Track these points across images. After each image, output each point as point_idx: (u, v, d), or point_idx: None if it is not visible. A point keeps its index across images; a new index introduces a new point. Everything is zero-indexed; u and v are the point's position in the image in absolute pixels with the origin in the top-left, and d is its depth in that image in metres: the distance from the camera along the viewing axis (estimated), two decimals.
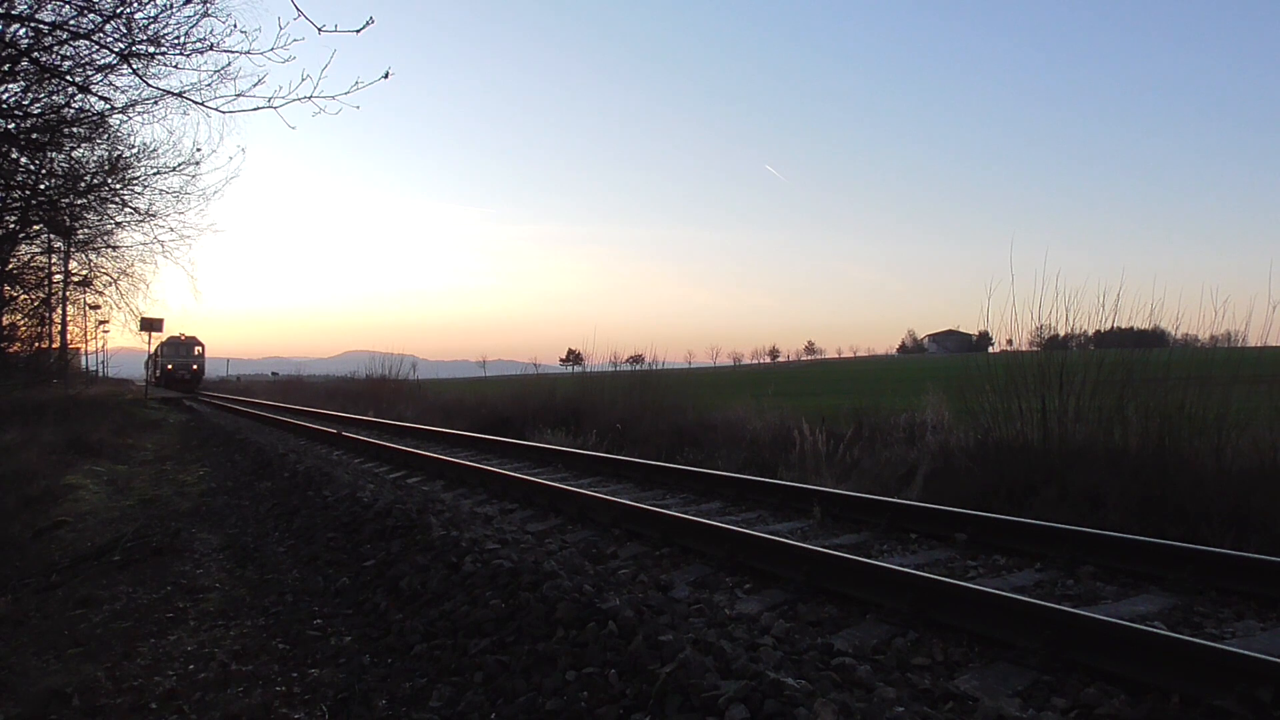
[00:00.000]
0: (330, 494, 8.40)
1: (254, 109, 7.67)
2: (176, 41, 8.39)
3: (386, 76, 7.27)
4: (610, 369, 21.45)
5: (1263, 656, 3.19)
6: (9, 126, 10.94)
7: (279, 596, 5.69)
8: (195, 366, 57.80)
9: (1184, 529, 6.46)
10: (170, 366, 56.68)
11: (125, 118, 12.03)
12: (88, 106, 11.12)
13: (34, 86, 10.67)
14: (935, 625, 4.15)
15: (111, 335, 48.06)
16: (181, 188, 15.68)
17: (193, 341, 57.84)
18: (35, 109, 11.12)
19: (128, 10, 8.16)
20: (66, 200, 15.36)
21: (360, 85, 7.28)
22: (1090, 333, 9.86)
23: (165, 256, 36.43)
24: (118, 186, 14.95)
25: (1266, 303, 8.36)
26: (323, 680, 4.17)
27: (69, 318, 29.82)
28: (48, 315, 25.99)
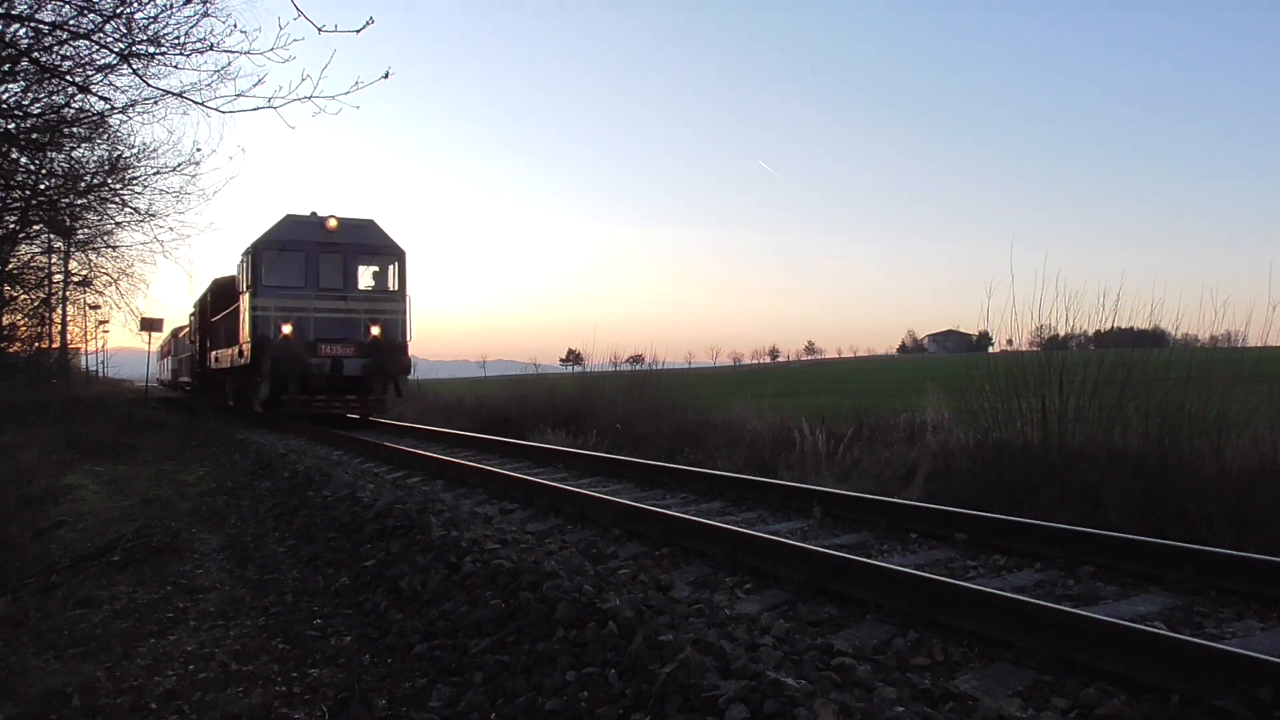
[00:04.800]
0: (330, 494, 8.40)
1: (254, 109, 7.68)
2: (176, 41, 8.41)
3: (386, 76, 7.18)
4: (610, 369, 21.45)
5: (1263, 656, 3.19)
6: (9, 126, 10.96)
7: (279, 596, 5.69)
8: (377, 326, 17.24)
9: (1184, 529, 6.46)
10: (287, 331, 16.45)
11: (125, 118, 12.07)
12: (88, 106, 11.15)
13: (34, 86, 10.69)
14: (935, 625, 4.15)
15: (111, 335, 47.08)
16: (181, 188, 15.70)
17: (371, 242, 17.99)
18: (35, 109, 11.15)
19: (128, 10, 8.18)
20: (66, 200, 15.40)
21: (360, 85, 7.25)
22: (1090, 333, 9.87)
23: (165, 256, 36.27)
24: (118, 186, 14.99)
25: (1266, 303, 8.40)
26: (323, 680, 4.17)
27: (69, 318, 29.93)
28: (48, 315, 26.09)
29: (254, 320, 17.02)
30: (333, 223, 17.48)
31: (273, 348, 16.33)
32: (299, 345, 16.49)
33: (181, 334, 35.25)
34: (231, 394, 21.28)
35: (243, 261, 18.54)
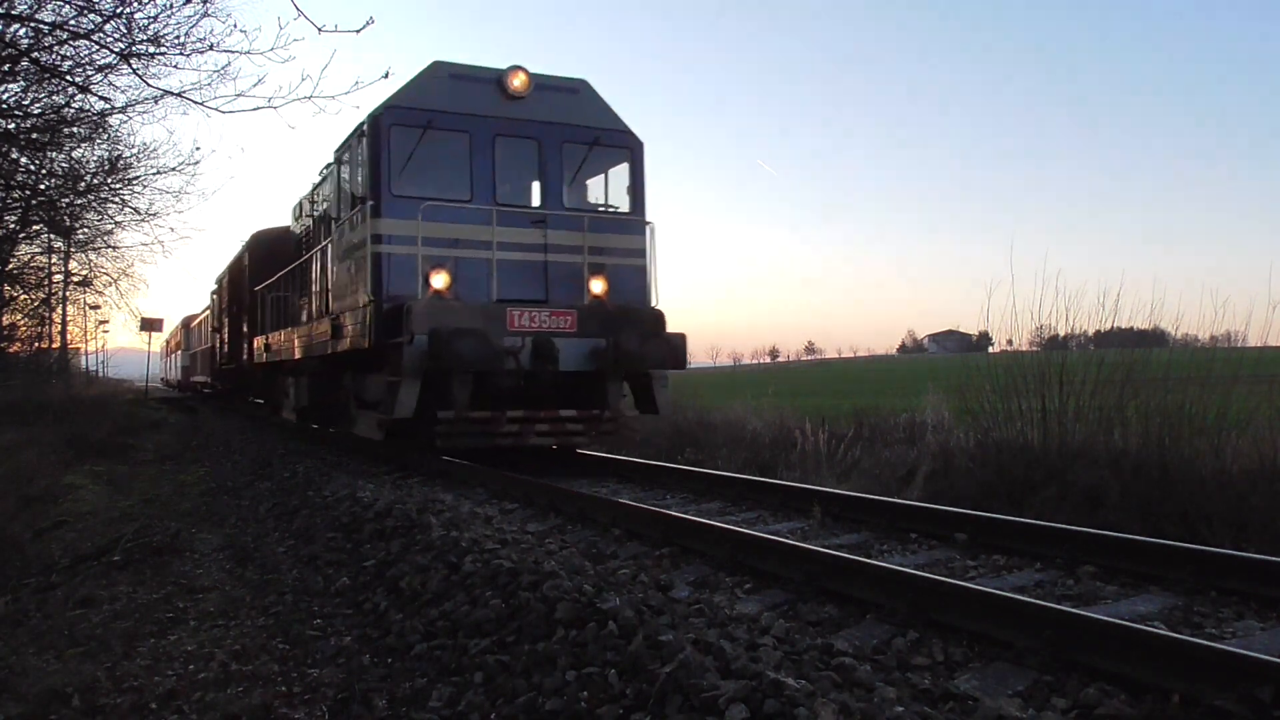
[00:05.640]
0: (330, 494, 8.40)
1: (254, 109, 7.70)
2: (176, 41, 8.43)
3: (387, 76, 7.17)
4: None
5: (1263, 657, 3.19)
6: (9, 126, 10.98)
7: (279, 596, 5.69)
8: (600, 277, 9.54)
9: (1184, 529, 6.46)
10: (441, 284, 8.75)
11: (125, 118, 12.08)
12: (88, 106, 11.17)
13: (34, 86, 10.71)
14: (935, 625, 4.15)
15: (111, 335, 46.84)
16: (181, 188, 15.73)
17: (589, 122, 9.78)
18: (35, 109, 11.18)
19: (128, 10, 8.19)
20: (66, 200, 15.42)
21: (360, 85, 7.26)
22: (1090, 333, 9.88)
23: (165, 256, 36.05)
24: (118, 186, 15.03)
25: (1266, 303, 8.41)
26: (323, 680, 4.17)
27: (69, 318, 29.88)
28: (48, 315, 26.10)
29: (377, 263, 9.11)
30: (519, 80, 9.51)
31: (422, 315, 8.55)
32: (474, 313, 8.81)
33: (195, 322, 27.71)
34: (299, 403, 13.40)
35: (341, 156, 10.54)
